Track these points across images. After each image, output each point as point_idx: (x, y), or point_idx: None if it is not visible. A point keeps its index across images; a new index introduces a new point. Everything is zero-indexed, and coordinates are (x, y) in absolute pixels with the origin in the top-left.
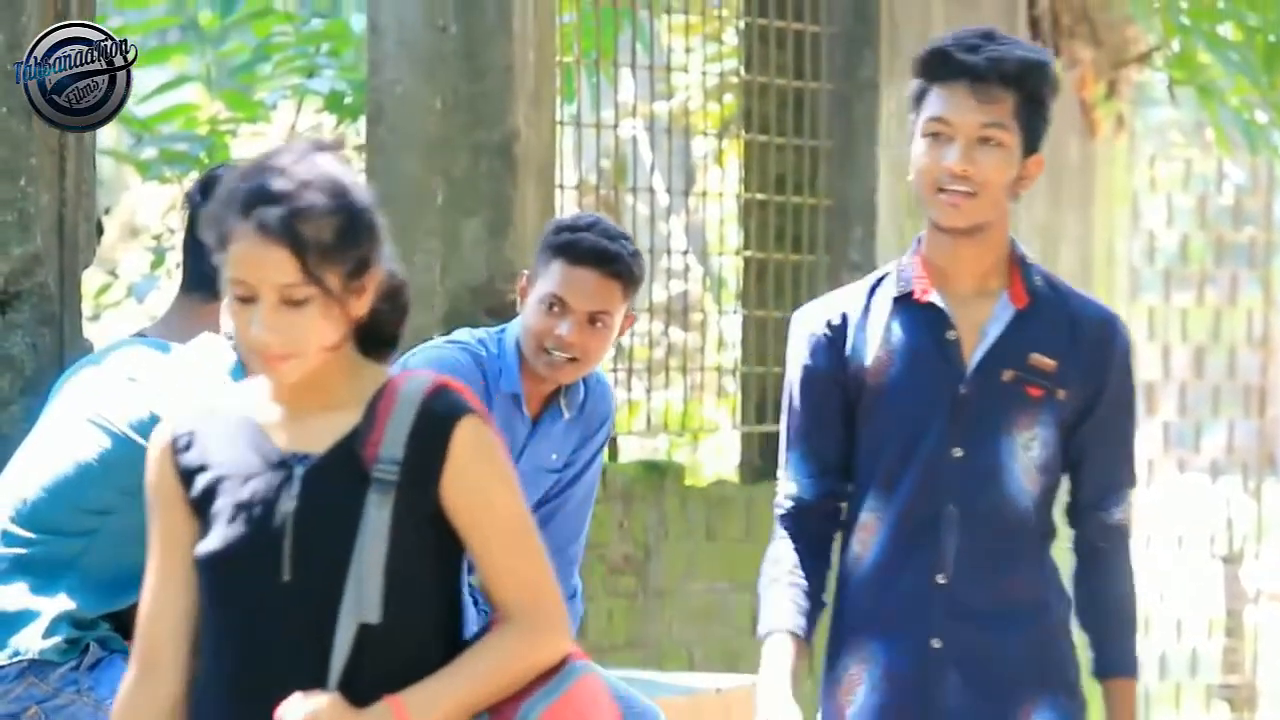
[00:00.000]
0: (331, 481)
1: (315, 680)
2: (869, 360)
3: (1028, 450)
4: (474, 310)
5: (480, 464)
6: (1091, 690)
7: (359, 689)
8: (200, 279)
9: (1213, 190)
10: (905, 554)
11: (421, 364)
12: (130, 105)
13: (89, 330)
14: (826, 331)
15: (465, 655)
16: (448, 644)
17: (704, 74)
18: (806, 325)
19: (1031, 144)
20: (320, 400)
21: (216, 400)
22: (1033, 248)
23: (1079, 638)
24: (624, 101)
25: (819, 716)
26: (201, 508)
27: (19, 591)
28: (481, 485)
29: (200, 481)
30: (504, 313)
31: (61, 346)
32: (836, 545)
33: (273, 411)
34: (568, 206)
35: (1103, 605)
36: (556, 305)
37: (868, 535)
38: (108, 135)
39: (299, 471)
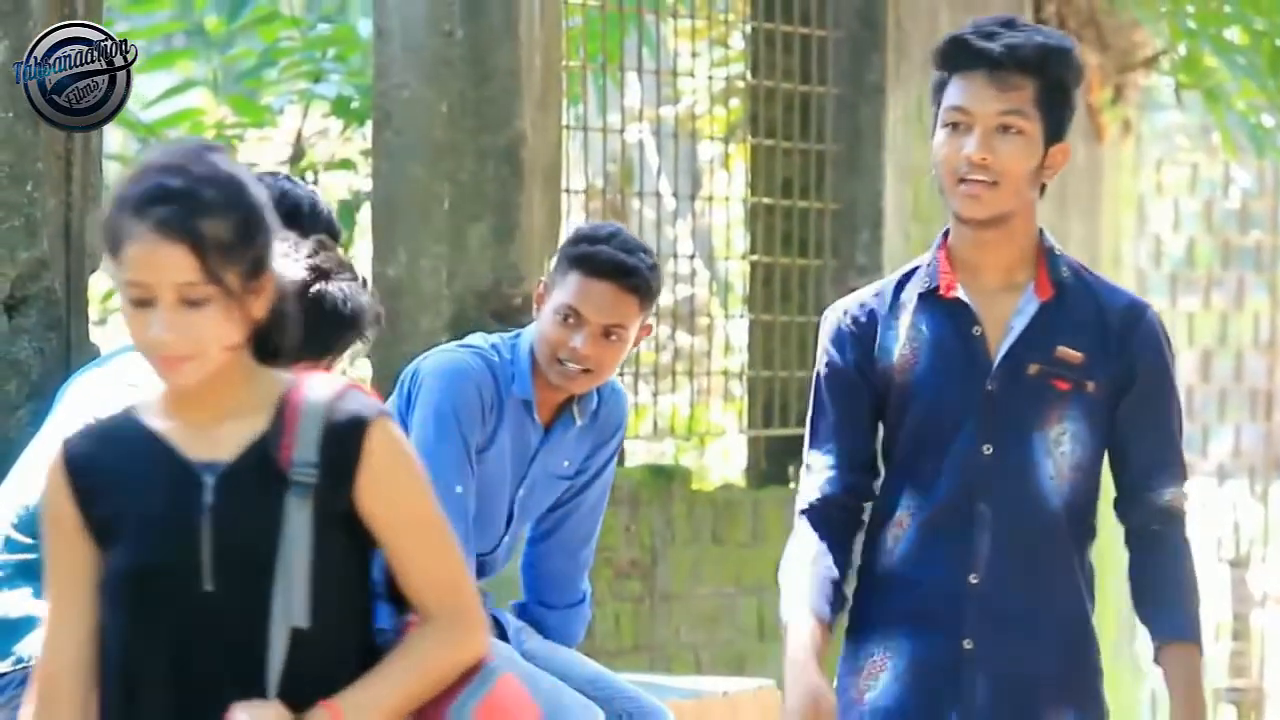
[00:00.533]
0: (247, 487)
1: (250, 687)
2: (895, 357)
3: (1058, 446)
4: (480, 314)
5: (394, 466)
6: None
7: (292, 694)
8: None
9: (1219, 194)
10: (938, 552)
11: (433, 367)
12: (136, 110)
13: (95, 335)
14: (852, 328)
15: (393, 657)
16: (365, 644)
17: (710, 78)
18: (833, 322)
19: (1055, 132)
20: (221, 407)
21: (112, 416)
22: None
23: (1135, 626)
24: (630, 106)
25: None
26: (108, 528)
27: (22, 597)
28: (396, 487)
29: (103, 502)
30: (510, 317)
31: (68, 351)
32: (858, 543)
33: (172, 422)
34: (574, 211)
35: (1160, 578)
36: (572, 316)
37: (901, 531)
38: (114, 140)
39: (210, 480)
